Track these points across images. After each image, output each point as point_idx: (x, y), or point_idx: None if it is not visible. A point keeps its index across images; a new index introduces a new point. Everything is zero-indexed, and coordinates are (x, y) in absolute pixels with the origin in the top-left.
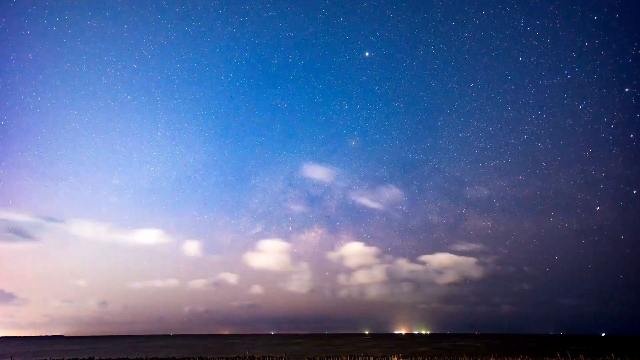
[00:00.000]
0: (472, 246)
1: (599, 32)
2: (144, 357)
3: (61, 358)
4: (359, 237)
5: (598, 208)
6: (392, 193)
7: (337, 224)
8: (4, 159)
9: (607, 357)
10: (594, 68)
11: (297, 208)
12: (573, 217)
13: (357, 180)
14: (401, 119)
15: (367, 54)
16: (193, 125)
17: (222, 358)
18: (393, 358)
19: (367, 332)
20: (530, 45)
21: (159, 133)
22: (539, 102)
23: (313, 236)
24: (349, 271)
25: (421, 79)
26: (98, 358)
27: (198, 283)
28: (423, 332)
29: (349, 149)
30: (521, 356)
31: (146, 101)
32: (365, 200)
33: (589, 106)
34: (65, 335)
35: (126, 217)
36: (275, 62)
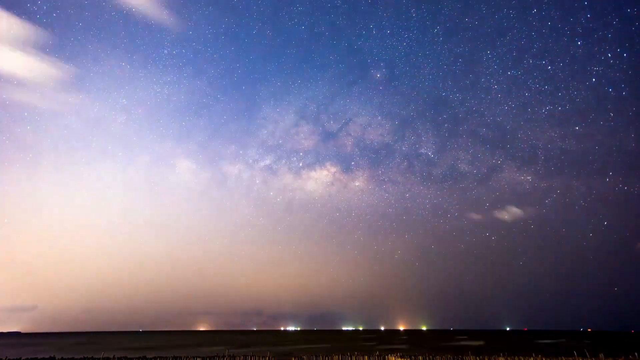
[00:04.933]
0: (504, 201)
1: None
2: (112, 357)
3: (18, 357)
4: (375, 180)
5: None
6: (417, 135)
7: (352, 163)
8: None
9: (631, 356)
10: None
11: (310, 143)
12: (637, 180)
13: (379, 117)
14: (438, 50)
15: None
16: (200, 45)
17: (199, 357)
18: (390, 357)
19: (361, 328)
20: None
21: (165, 52)
22: (620, 37)
23: (325, 174)
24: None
25: (469, 1)
26: (60, 357)
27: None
28: (423, 328)
29: (372, 81)
30: (533, 355)
31: (151, 15)
32: (386, 141)
33: None
34: (22, 331)
35: (134, 139)
36: None
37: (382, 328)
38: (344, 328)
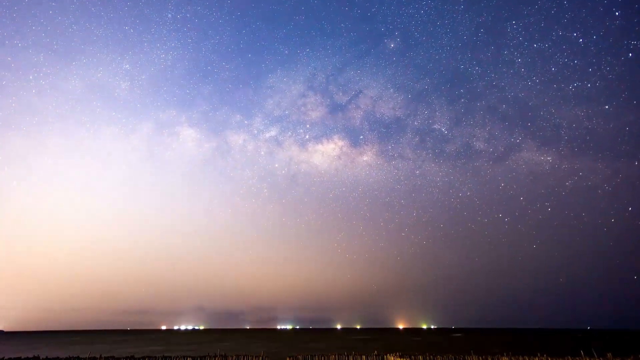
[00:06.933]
0: (520, 182)
1: None
2: (98, 356)
3: (1, 357)
4: (384, 155)
5: None
6: (431, 109)
7: (361, 137)
8: (19, 31)
9: None
10: None
11: (317, 115)
12: None
13: (391, 90)
14: (458, 20)
15: None
16: (206, 9)
17: (189, 357)
18: (389, 357)
19: (358, 327)
20: None
21: (169, 15)
22: None
23: (332, 148)
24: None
25: None
26: (44, 357)
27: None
28: (424, 326)
29: (386, 51)
30: (539, 354)
31: None
32: (397, 114)
33: None
34: (4, 330)
35: (138, 106)
36: None
37: (339, 327)
38: (279, 327)
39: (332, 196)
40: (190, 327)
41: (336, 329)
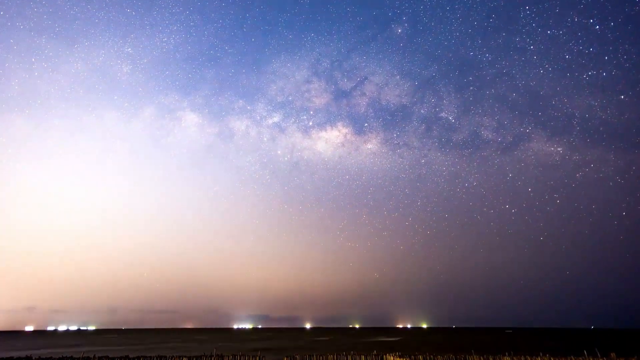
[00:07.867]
0: (529, 173)
1: None
2: (92, 356)
3: None
4: (389, 143)
5: None
6: (438, 97)
7: (366, 125)
8: (21, 14)
9: None
10: None
11: (321, 101)
12: None
13: (397, 77)
14: (469, 4)
15: None
16: None
17: (185, 357)
18: (389, 357)
19: (357, 326)
20: None
21: None
22: None
23: (336, 135)
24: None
25: None
26: (37, 356)
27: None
28: (424, 325)
29: (393, 37)
30: (541, 354)
31: None
32: (403, 102)
33: None
34: None
35: (140, 89)
36: None
37: (308, 325)
38: (236, 326)
39: (335, 184)
40: (73, 328)
41: (305, 328)
